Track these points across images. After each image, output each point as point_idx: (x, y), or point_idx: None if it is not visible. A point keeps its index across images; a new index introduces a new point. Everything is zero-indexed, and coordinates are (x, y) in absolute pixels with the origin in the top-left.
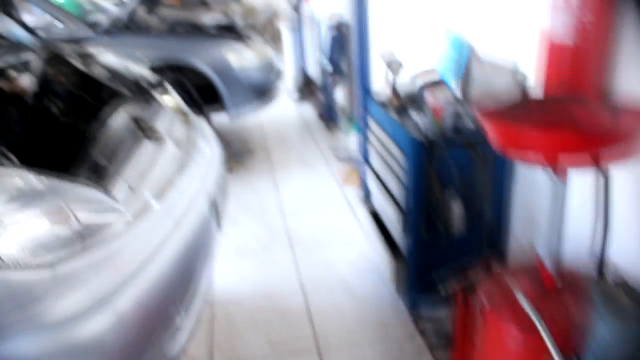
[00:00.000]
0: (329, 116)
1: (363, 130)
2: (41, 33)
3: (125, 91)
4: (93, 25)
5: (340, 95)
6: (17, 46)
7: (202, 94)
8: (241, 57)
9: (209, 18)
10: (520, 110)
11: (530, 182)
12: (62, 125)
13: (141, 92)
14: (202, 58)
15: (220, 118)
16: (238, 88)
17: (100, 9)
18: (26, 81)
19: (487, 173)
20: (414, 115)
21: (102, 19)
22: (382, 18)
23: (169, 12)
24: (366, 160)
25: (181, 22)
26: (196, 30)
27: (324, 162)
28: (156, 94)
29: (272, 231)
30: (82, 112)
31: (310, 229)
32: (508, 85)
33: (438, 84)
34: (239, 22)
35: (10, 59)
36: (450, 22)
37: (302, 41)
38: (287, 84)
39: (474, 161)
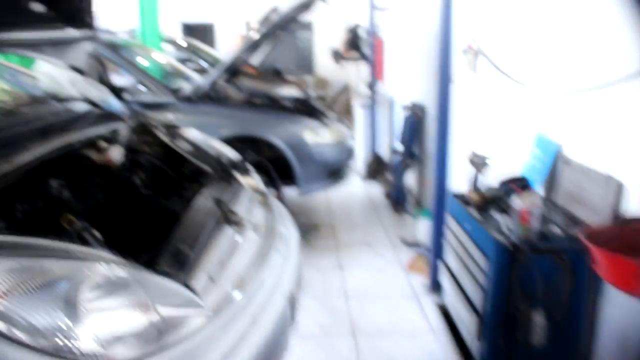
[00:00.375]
0: (396, 198)
1: (436, 221)
2: (126, 96)
3: (207, 169)
4: (175, 91)
5: (410, 179)
6: (108, 115)
7: (274, 167)
8: (316, 135)
9: (285, 91)
10: (626, 233)
11: (623, 304)
12: (142, 197)
13: (223, 171)
14: (278, 133)
15: (288, 191)
16: (311, 165)
17: (182, 76)
18: (115, 153)
19: (573, 284)
20: (497, 215)
21: (184, 86)
22: (466, 109)
23: (247, 83)
24: (437, 252)
25: (259, 93)
26: (273, 103)
27: (389, 245)
28: (237, 174)
29: (334, 314)
30: (164, 185)
31: (373, 316)
32: (601, 194)
33: (524, 185)
34: (313, 95)
35: (102, 128)
36: (541, 122)
37: (374, 119)
38: (356, 161)
39: (560, 270)
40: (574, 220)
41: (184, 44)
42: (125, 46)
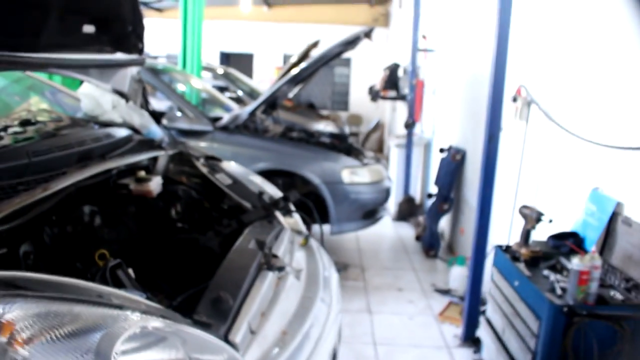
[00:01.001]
0: (429, 243)
1: (474, 271)
2: (164, 121)
3: (247, 205)
4: (213, 120)
5: (444, 223)
6: (148, 142)
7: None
8: (354, 174)
9: (321, 126)
10: None
11: None
12: (177, 231)
13: (264, 208)
14: (314, 169)
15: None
16: (346, 205)
17: (220, 104)
18: (154, 183)
19: (633, 356)
20: (548, 273)
21: (223, 115)
22: (511, 158)
23: (284, 116)
24: (473, 303)
25: (296, 127)
26: (310, 138)
27: (420, 291)
28: (278, 213)
29: None
30: (200, 220)
31: None
32: None
33: (577, 242)
34: (348, 132)
35: (142, 156)
36: (597, 177)
37: (410, 159)
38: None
39: (620, 339)
40: (634, 285)
41: (221, 72)
42: (165, 71)
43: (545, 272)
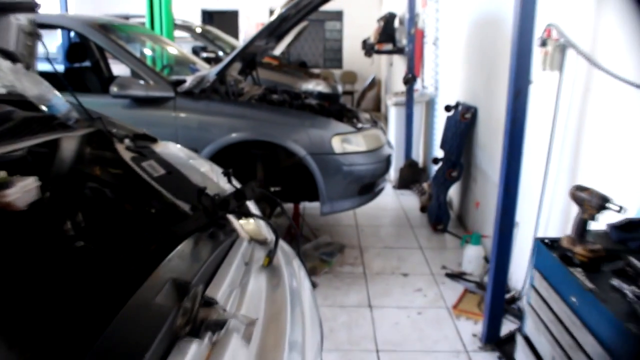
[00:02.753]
0: (436, 215)
1: (498, 259)
2: (115, 88)
3: (184, 206)
4: (175, 84)
5: (453, 192)
6: (41, 121)
7: (293, 180)
8: (347, 142)
9: (310, 85)
10: None
11: None
12: (74, 253)
13: (208, 211)
14: (299, 138)
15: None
16: (338, 179)
17: (189, 65)
18: (18, 190)
19: None
20: (619, 284)
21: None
22: (540, 120)
23: (268, 76)
24: (497, 296)
25: (278, 89)
26: (293, 100)
27: (429, 275)
28: (230, 215)
29: None
30: (115, 233)
31: None
32: None
33: None
34: (341, 91)
35: (21, 143)
36: None
37: (411, 119)
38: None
39: None
40: None
41: (199, 31)
42: (121, 30)
43: (614, 281)
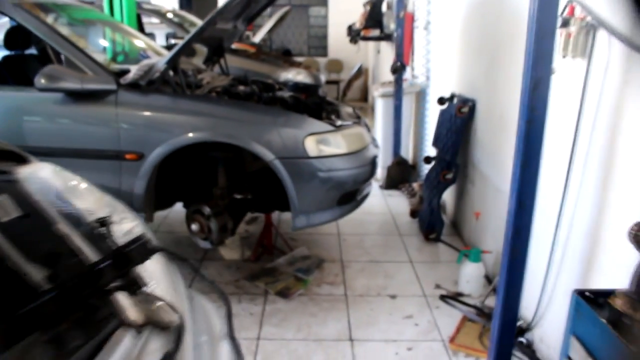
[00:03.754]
0: (428, 222)
1: (507, 289)
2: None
3: (35, 277)
4: (121, 75)
5: (447, 195)
6: None
7: (263, 186)
8: (323, 142)
9: (290, 75)
10: None
11: None
12: None
13: (74, 285)
14: (265, 139)
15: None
16: (312, 187)
17: (139, 53)
18: None
19: None
20: None
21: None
22: (562, 118)
23: (241, 64)
24: (506, 334)
25: (248, 78)
26: (265, 92)
27: (421, 296)
28: (112, 285)
29: None
30: None
31: None
32: None
33: None
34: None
35: None
36: None
37: (399, 111)
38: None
39: None
40: None
41: (171, 16)
42: (68, 12)
43: None
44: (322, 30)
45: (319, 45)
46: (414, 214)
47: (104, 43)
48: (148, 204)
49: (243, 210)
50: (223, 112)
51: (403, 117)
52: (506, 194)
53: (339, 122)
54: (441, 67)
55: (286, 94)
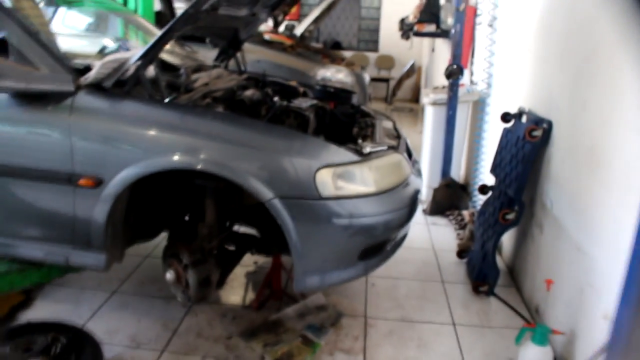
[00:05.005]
0: (479, 270)
1: None
2: None
3: None
4: (80, 73)
5: (508, 237)
6: None
7: (268, 222)
8: (344, 178)
9: (326, 72)
10: None
11: None
12: None
13: None
14: (262, 170)
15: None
16: (326, 237)
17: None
18: None
19: None
20: None
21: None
22: None
23: (273, 58)
24: None
25: (268, 78)
26: (284, 99)
27: None
28: None
29: None
30: None
31: None
32: None
33: None
34: (367, 80)
35: None
36: None
37: (452, 124)
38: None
39: None
40: None
41: None
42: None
43: None
44: (374, 23)
45: (370, 39)
46: (461, 253)
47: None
48: (113, 241)
49: (239, 253)
50: (207, 128)
51: (457, 131)
52: (591, 258)
53: (367, 149)
54: (507, 73)
55: (307, 102)
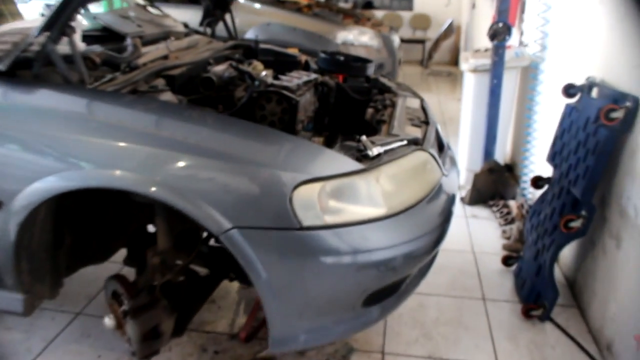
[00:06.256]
0: (532, 288)
1: None
2: None
3: None
4: None
5: (570, 250)
6: None
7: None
8: (338, 197)
9: (348, 35)
10: None
11: None
12: None
13: None
14: (213, 192)
15: None
16: (312, 284)
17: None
18: None
19: None
20: None
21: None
22: None
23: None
24: None
25: (261, 47)
26: (275, 75)
27: None
28: None
29: None
30: None
31: None
32: None
33: None
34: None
35: None
36: None
37: (497, 98)
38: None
39: None
40: None
41: None
42: None
43: None
44: None
45: None
46: (508, 260)
47: None
48: (34, 275)
49: (213, 280)
50: (134, 126)
51: (503, 104)
52: None
53: (375, 149)
54: (570, 32)
55: (300, 78)
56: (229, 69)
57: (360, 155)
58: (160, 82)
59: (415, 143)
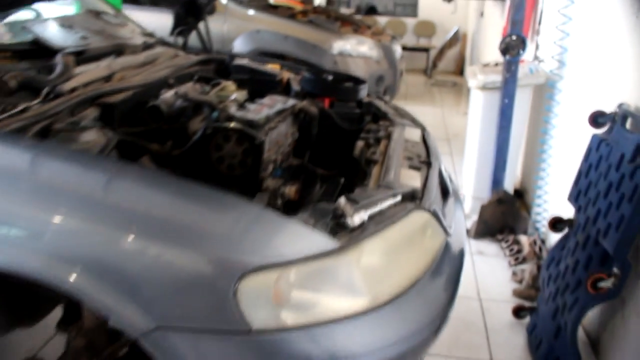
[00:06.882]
0: (548, 352)
1: None
2: None
3: None
4: None
5: (602, 310)
6: None
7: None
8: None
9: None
10: None
11: None
12: None
13: None
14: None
15: None
16: None
17: None
18: None
19: None
20: None
21: None
22: None
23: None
24: None
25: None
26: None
27: None
28: None
29: None
30: None
31: None
32: None
33: None
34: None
35: None
36: None
37: (508, 119)
38: (461, 192)
39: None
40: None
41: None
42: None
43: None
44: None
45: (408, 2)
46: (519, 311)
47: None
48: None
49: None
50: (28, 181)
51: (514, 126)
52: None
53: (356, 217)
54: (594, 48)
55: (276, 106)
56: (179, 98)
57: (337, 226)
58: (90, 114)
59: (412, 197)
